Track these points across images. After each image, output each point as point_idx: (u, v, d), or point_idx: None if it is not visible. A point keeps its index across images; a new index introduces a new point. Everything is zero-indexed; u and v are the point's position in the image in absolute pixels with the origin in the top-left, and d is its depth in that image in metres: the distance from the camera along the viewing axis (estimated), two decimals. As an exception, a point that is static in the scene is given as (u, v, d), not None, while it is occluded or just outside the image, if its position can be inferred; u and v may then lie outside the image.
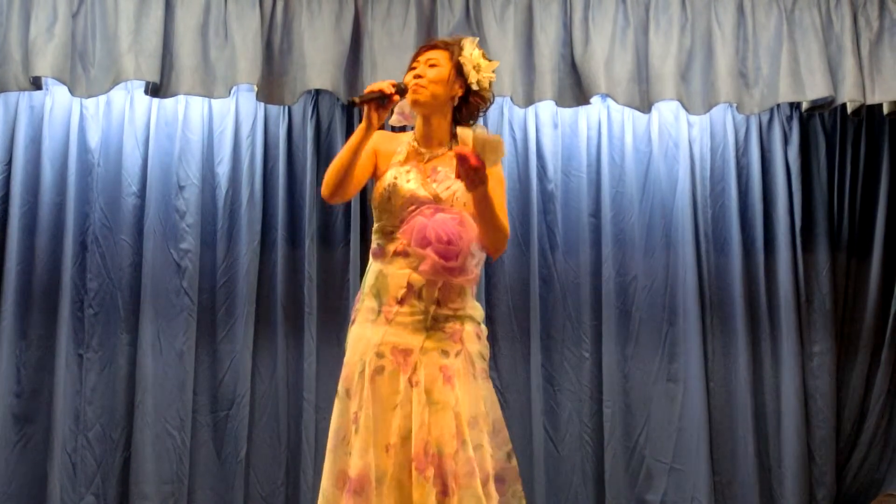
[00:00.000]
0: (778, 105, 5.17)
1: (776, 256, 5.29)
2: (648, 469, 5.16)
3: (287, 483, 4.98)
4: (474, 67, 3.29)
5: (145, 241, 4.98)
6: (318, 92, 5.07)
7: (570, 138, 5.28)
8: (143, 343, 4.92)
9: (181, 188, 5.02)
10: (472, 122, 3.36)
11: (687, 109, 5.01)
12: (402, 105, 3.31)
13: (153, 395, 4.91)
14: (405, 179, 3.25)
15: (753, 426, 5.19)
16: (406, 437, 3.09)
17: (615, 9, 4.96)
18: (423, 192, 3.22)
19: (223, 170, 5.06)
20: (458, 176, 3.07)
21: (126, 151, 5.02)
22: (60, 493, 4.79)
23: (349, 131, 5.11)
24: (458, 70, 3.28)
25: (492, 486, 3.12)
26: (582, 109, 5.20)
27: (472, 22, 4.90)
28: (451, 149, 3.28)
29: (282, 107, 5.05)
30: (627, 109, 5.16)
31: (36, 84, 4.68)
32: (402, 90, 3.23)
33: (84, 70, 4.67)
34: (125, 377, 4.93)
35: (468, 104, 3.33)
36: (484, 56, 3.34)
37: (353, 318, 3.29)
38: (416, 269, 3.17)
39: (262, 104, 5.04)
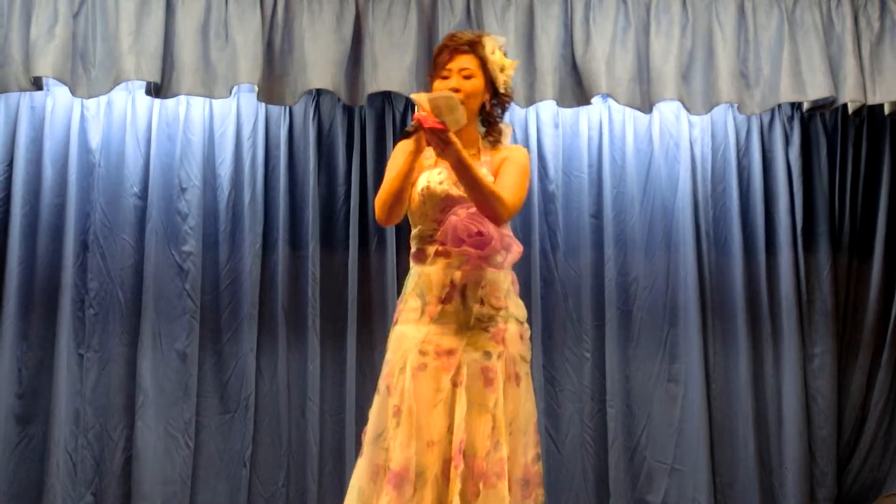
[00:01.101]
0: (779, 105, 5.17)
1: (777, 257, 5.29)
2: (649, 470, 5.16)
3: (288, 485, 4.97)
4: (500, 70, 3.30)
5: (146, 243, 4.97)
6: (318, 92, 5.07)
7: (571, 138, 5.28)
8: (144, 344, 4.91)
9: (183, 189, 5.01)
10: (499, 121, 3.37)
11: (688, 110, 5.01)
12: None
13: (154, 396, 4.91)
14: (437, 181, 3.24)
15: (754, 427, 5.19)
16: (448, 436, 3.10)
17: (616, 9, 4.96)
18: (456, 192, 3.22)
19: (224, 171, 5.05)
20: (428, 143, 3.09)
21: (127, 152, 5.02)
22: (61, 494, 4.79)
23: (350, 132, 5.12)
24: (487, 76, 3.29)
25: (518, 491, 3.13)
26: (583, 110, 5.20)
27: (473, 22, 4.89)
28: (479, 150, 3.30)
29: (283, 107, 5.04)
30: (628, 110, 5.16)
31: (37, 84, 4.68)
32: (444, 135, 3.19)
33: (85, 70, 4.66)
34: (126, 378, 4.93)
35: (494, 105, 3.34)
36: (504, 53, 3.34)
37: (395, 318, 3.30)
38: (458, 268, 3.18)
39: (263, 104, 5.03)
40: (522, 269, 5.13)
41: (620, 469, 5.12)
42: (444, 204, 3.23)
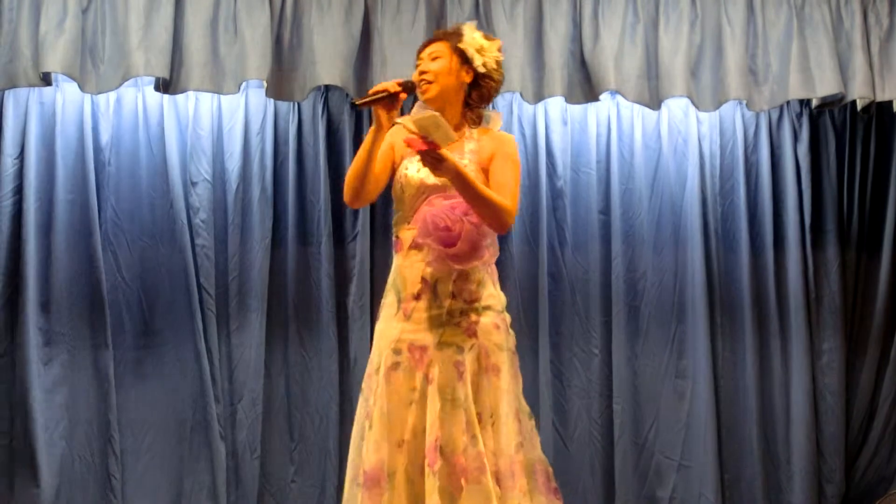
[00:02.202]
0: (788, 102, 5.16)
1: (785, 253, 5.29)
2: (657, 466, 5.16)
3: (298, 481, 4.98)
4: (477, 51, 3.31)
5: (158, 237, 4.97)
6: (327, 88, 5.06)
7: (580, 135, 5.27)
8: (158, 339, 4.93)
9: (193, 184, 5.01)
10: (485, 104, 3.39)
11: (696, 106, 5.01)
12: (420, 103, 3.33)
13: (169, 390, 4.92)
14: (415, 168, 3.25)
15: (762, 423, 5.20)
16: (420, 434, 3.10)
17: (625, 5, 4.96)
18: (431, 181, 3.22)
19: (233, 166, 5.04)
20: (424, 165, 3.11)
21: (137, 148, 5.01)
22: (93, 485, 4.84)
23: (358, 128, 5.11)
24: (463, 57, 3.30)
25: (507, 482, 3.12)
26: (591, 106, 5.20)
27: (482, 18, 4.89)
28: (462, 136, 3.30)
29: (291, 103, 5.04)
30: (637, 106, 5.15)
31: (46, 80, 4.68)
32: (408, 87, 3.25)
33: (94, 66, 4.66)
34: (141, 372, 4.93)
35: (480, 88, 3.34)
36: (486, 37, 3.36)
37: (378, 313, 3.31)
38: (427, 263, 3.19)
39: (272, 100, 5.03)
40: (530, 264, 5.16)
41: (628, 465, 5.12)
42: (419, 192, 3.24)
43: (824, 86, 4.93)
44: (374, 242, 5.07)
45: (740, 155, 5.32)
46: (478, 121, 3.36)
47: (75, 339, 4.87)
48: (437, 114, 3.09)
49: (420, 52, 3.39)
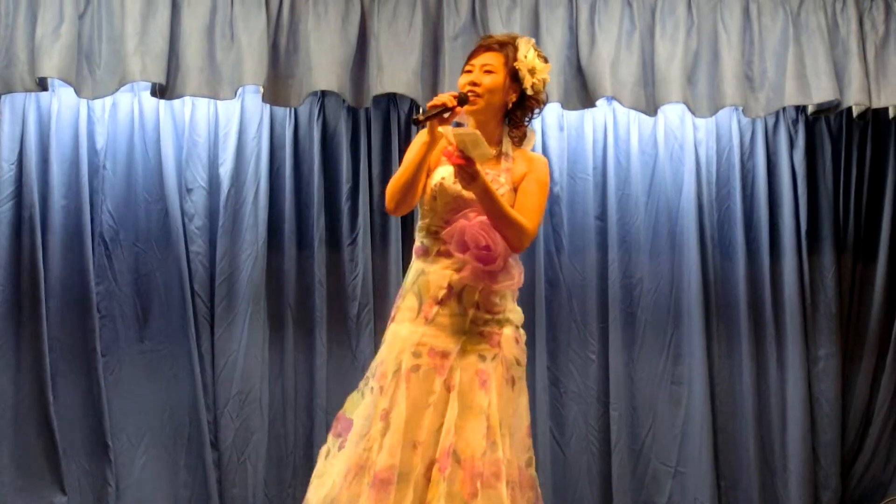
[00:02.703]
0: (784, 108, 5.18)
1: (781, 260, 5.29)
2: (654, 472, 5.16)
3: (295, 485, 4.96)
4: (529, 71, 3.27)
5: (153, 243, 4.97)
6: (324, 93, 5.06)
7: (576, 141, 5.28)
8: (154, 345, 4.93)
9: (189, 190, 5.00)
10: (526, 123, 3.35)
11: (693, 112, 5.02)
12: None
13: (164, 395, 4.92)
14: (451, 180, 3.21)
15: (758, 429, 5.20)
16: (436, 437, 3.10)
17: (621, 11, 4.97)
18: (468, 193, 3.18)
19: (227, 170, 5.03)
20: (457, 176, 3.11)
21: (133, 153, 5.00)
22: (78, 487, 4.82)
23: (355, 133, 5.11)
24: (514, 75, 3.27)
25: (514, 493, 3.13)
26: (587, 112, 5.20)
27: (479, 24, 4.91)
28: (500, 153, 3.29)
29: (288, 108, 5.04)
30: (633, 112, 5.16)
31: (42, 85, 4.67)
32: (463, 100, 3.22)
33: (90, 71, 4.66)
34: (135, 379, 4.92)
35: (523, 107, 3.32)
36: (540, 56, 3.31)
37: (392, 314, 3.30)
38: (457, 271, 3.18)
39: (269, 105, 5.03)
40: (527, 270, 5.05)
41: (624, 471, 5.12)
42: (455, 204, 3.23)
43: (820, 92, 4.94)
44: (374, 247, 5.05)
45: (736, 161, 5.32)
46: (521, 139, 3.34)
47: (70, 345, 4.86)
48: (477, 132, 3.07)
49: (472, 56, 3.32)
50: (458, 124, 3.24)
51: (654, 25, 4.99)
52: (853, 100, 4.96)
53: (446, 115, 3.16)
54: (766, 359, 5.26)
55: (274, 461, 4.97)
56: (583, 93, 4.95)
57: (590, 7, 4.97)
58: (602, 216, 5.26)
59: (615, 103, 5.17)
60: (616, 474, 5.11)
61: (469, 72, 3.28)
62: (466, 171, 3.06)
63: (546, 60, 3.33)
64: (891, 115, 5.16)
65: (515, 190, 3.27)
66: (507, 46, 3.29)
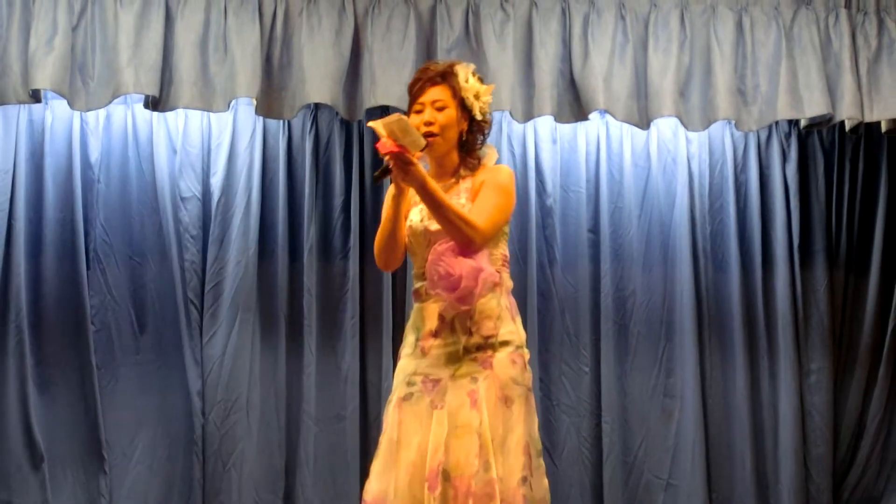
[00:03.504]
0: (776, 122, 5.18)
1: (774, 273, 5.30)
2: (647, 484, 5.16)
3: (285, 494, 4.97)
4: (475, 97, 3.26)
5: (147, 254, 4.98)
6: (317, 106, 5.07)
7: (569, 154, 5.29)
8: (148, 358, 4.94)
9: (182, 200, 5.01)
10: (479, 147, 3.31)
11: (685, 126, 5.03)
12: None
13: (157, 407, 4.93)
14: (419, 218, 3.23)
15: (750, 443, 5.20)
16: (424, 456, 3.10)
17: (614, 25, 4.98)
18: (434, 227, 3.18)
19: (218, 181, 5.04)
20: (392, 170, 3.04)
21: (126, 165, 5.01)
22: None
23: (348, 145, 5.12)
24: (463, 105, 3.25)
25: None
26: (580, 125, 5.21)
27: (472, 38, 4.91)
28: (458, 178, 3.27)
29: (281, 121, 5.04)
30: (626, 125, 5.16)
31: (35, 97, 4.68)
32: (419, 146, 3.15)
33: (83, 83, 4.66)
34: (129, 391, 4.92)
35: (473, 132, 3.29)
36: (479, 79, 3.30)
37: (399, 354, 3.31)
38: (444, 302, 3.17)
39: (262, 118, 5.03)
40: (520, 282, 5.15)
41: (617, 483, 5.12)
42: (426, 240, 3.22)
43: (813, 106, 4.95)
44: (364, 260, 5.06)
45: (729, 175, 5.33)
46: (476, 165, 3.30)
47: (64, 358, 4.87)
48: (403, 117, 3.04)
49: (419, 94, 3.26)
50: (386, 112, 3.19)
51: (647, 39, 4.99)
52: (846, 114, 4.97)
53: (404, 163, 3.07)
54: (759, 372, 5.27)
55: (261, 469, 4.96)
56: (576, 106, 4.95)
57: (583, 20, 4.97)
58: (595, 229, 5.26)
59: (608, 116, 5.18)
60: (608, 486, 5.11)
61: (419, 111, 3.24)
62: (401, 158, 3.01)
63: (483, 81, 3.31)
64: (883, 129, 5.16)
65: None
66: (449, 76, 3.25)
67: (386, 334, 5.02)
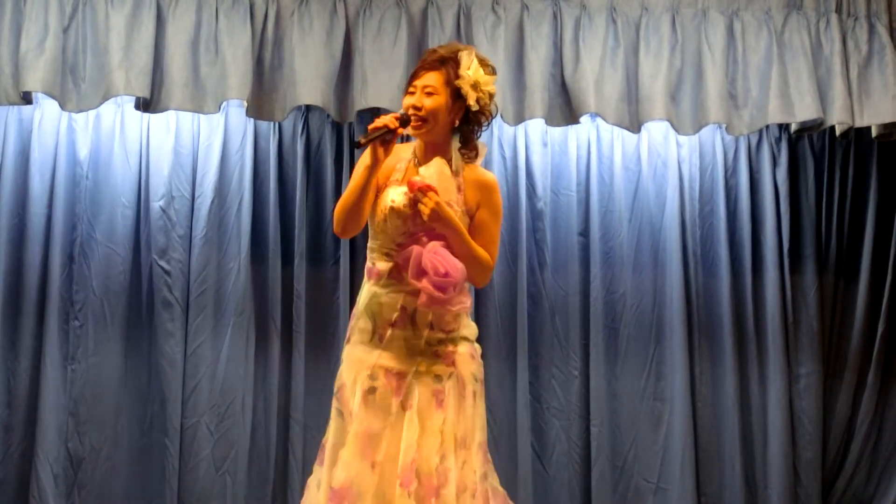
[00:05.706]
0: (767, 126, 5.19)
1: (764, 277, 5.31)
2: (636, 488, 5.16)
3: (275, 499, 4.96)
4: (472, 86, 3.23)
5: (133, 253, 4.98)
6: (308, 108, 5.07)
7: (560, 157, 5.29)
8: (131, 355, 4.93)
9: (172, 198, 5.00)
10: (476, 137, 3.33)
11: (676, 130, 5.03)
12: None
13: (140, 406, 4.92)
14: (403, 202, 3.21)
15: (740, 447, 5.20)
16: (394, 457, 3.12)
17: (605, 29, 4.98)
18: (419, 218, 3.18)
19: (209, 182, 5.03)
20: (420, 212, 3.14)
21: (115, 164, 5.01)
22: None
23: (339, 147, 5.12)
24: (457, 93, 3.23)
25: (468, 499, 3.14)
26: (571, 128, 5.22)
27: (463, 40, 4.90)
28: (453, 171, 3.29)
29: (272, 122, 5.04)
30: (617, 129, 5.17)
31: (26, 99, 4.68)
32: (405, 121, 3.21)
33: (74, 85, 4.66)
34: (111, 389, 4.92)
35: (470, 122, 3.28)
36: (485, 66, 3.27)
37: (347, 335, 3.31)
38: (410, 294, 3.18)
39: (252, 119, 5.03)
40: (509, 286, 5.17)
41: (606, 487, 5.13)
42: (405, 227, 3.22)
43: (803, 111, 4.95)
44: (355, 264, 5.05)
45: (720, 178, 5.34)
46: (473, 157, 3.31)
47: (45, 353, 4.86)
48: (444, 167, 3.12)
49: (415, 76, 3.28)
50: (405, 140, 3.25)
51: (638, 43, 5.00)
52: (836, 118, 4.98)
53: (389, 136, 3.16)
54: (748, 375, 5.28)
55: (253, 474, 4.96)
56: (567, 109, 4.95)
57: (574, 24, 4.98)
58: (585, 232, 5.27)
59: (599, 120, 5.18)
60: (597, 490, 5.11)
61: (412, 93, 3.25)
62: (430, 190, 3.11)
63: (493, 71, 3.29)
64: (873, 134, 5.16)
65: (470, 217, 3.27)
66: (448, 63, 3.24)
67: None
